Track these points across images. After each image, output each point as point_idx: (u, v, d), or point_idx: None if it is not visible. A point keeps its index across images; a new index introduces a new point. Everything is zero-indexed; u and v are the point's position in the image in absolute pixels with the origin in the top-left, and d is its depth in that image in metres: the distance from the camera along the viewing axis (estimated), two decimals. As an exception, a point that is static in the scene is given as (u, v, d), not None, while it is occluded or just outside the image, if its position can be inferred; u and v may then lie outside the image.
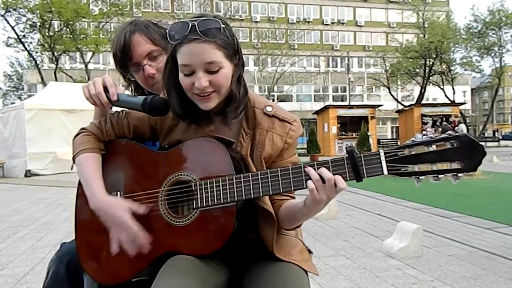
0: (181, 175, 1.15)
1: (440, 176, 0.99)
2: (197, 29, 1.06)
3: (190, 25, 1.06)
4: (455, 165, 0.98)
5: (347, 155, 1.03)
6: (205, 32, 1.06)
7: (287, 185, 1.06)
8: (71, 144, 1.28)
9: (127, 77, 1.52)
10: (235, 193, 1.07)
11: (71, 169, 1.24)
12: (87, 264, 1.23)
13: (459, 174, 0.98)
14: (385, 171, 1.01)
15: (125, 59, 1.46)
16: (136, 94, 1.59)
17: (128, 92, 1.40)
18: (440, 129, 20.58)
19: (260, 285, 1.09)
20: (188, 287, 0.99)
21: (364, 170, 1.02)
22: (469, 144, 0.97)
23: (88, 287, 1.29)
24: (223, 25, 1.08)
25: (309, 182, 1.03)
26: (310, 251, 1.27)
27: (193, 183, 1.12)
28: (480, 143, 0.98)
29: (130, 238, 1.13)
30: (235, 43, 1.13)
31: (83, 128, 1.30)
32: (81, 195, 1.27)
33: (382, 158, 1.01)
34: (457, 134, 0.98)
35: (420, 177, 1.00)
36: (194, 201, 1.11)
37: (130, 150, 1.26)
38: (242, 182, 1.08)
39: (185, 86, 1.12)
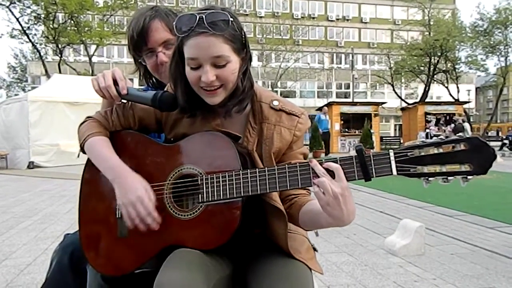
0: (187, 168, 1.14)
1: (449, 178, 0.98)
2: (204, 21, 1.04)
3: (197, 17, 1.04)
4: (464, 168, 0.97)
5: (355, 154, 1.02)
6: (213, 25, 1.04)
7: (295, 182, 1.05)
8: (75, 136, 1.28)
9: (139, 61, 1.53)
10: (242, 188, 1.07)
11: (78, 157, 1.23)
12: (91, 255, 1.23)
13: (468, 177, 0.97)
14: (394, 172, 1.00)
15: (140, 43, 1.46)
16: (144, 82, 1.60)
17: (136, 85, 1.40)
18: (443, 127, 20.54)
19: (266, 281, 1.08)
20: (192, 280, 0.99)
21: (373, 169, 1.01)
22: (480, 147, 0.96)
23: (91, 278, 1.29)
24: (231, 18, 1.07)
25: (317, 179, 1.01)
26: (315, 249, 1.27)
27: (199, 177, 1.11)
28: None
29: (141, 215, 1.10)
30: (243, 36, 1.11)
31: (88, 117, 1.29)
32: (85, 185, 1.27)
33: (392, 158, 1.00)
34: (468, 136, 0.97)
35: (429, 179, 0.99)
36: (200, 195, 1.11)
37: (135, 141, 1.25)
38: (249, 177, 1.07)
39: (191, 79, 1.11)
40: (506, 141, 19.31)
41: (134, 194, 1.10)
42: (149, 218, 1.10)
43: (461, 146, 0.97)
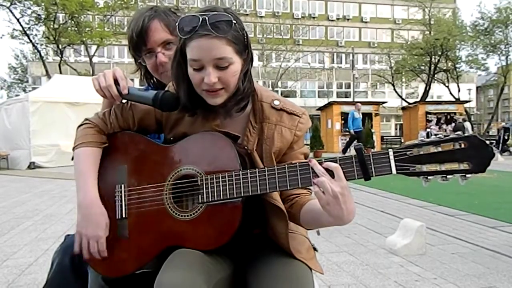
0: (186, 169, 1.14)
1: (448, 176, 0.98)
2: (207, 23, 1.03)
3: (200, 19, 1.04)
4: (463, 166, 0.97)
5: (355, 154, 1.02)
6: (216, 27, 1.04)
7: (295, 182, 1.05)
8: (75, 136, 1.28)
9: (138, 61, 1.52)
10: (242, 188, 1.07)
11: (72, 159, 1.24)
12: (91, 257, 1.23)
13: (467, 175, 0.97)
14: (394, 171, 1.00)
15: (139, 43, 1.46)
16: (145, 82, 1.60)
17: (137, 86, 1.40)
18: (444, 126, 20.51)
19: (266, 281, 1.08)
20: (193, 280, 0.99)
21: (373, 169, 1.01)
22: (478, 145, 0.96)
23: (92, 280, 1.29)
24: (234, 20, 1.06)
25: (317, 179, 1.01)
26: (315, 249, 1.27)
27: (199, 178, 1.11)
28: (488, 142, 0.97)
29: (92, 251, 1.16)
30: (245, 37, 1.11)
31: (87, 119, 1.28)
32: None
33: (391, 157, 1.00)
34: (466, 135, 0.97)
35: (428, 177, 0.99)
36: (200, 196, 1.11)
37: (134, 142, 1.25)
38: (249, 178, 1.07)
39: (194, 81, 1.11)
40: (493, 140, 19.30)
41: (95, 231, 1.16)
42: (97, 255, 1.17)
43: (460, 145, 0.97)
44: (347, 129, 14.98)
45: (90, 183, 1.19)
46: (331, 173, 1.01)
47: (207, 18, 1.04)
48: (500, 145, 17.28)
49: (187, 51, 1.09)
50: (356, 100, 28.74)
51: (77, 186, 1.20)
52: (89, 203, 1.17)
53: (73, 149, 1.24)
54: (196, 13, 1.07)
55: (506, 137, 17.39)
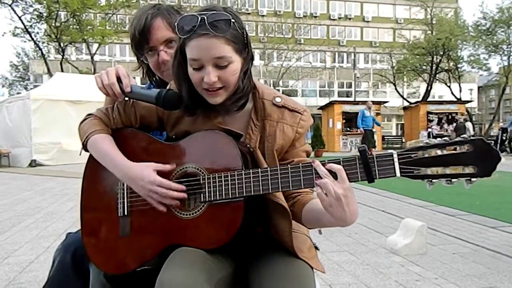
0: (189, 167, 1.14)
1: (453, 180, 0.97)
2: (206, 22, 1.04)
3: (199, 18, 1.05)
4: (468, 170, 0.95)
5: (358, 155, 1.01)
6: (214, 27, 1.04)
7: (297, 182, 1.05)
8: (77, 134, 1.27)
9: (141, 59, 1.52)
10: (244, 188, 1.07)
11: (80, 154, 1.24)
12: (93, 254, 1.23)
13: (472, 179, 0.96)
14: (398, 173, 0.99)
15: (142, 41, 1.46)
16: (147, 80, 1.60)
17: (139, 84, 1.40)
18: (445, 126, 20.49)
19: (268, 280, 1.08)
20: (194, 279, 0.99)
21: (376, 171, 1.00)
22: (484, 149, 0.94)
23: (94, 277, 1.29)
24: (232, 19, 1.07)
25: (320, 181, 1.01)
26: (317, 248, 1.27)
27: (201, 176, 1.11)
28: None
29: (165, 194, 1.10)
30: (245, 36, 1.12)
31: (90, 114, 1.29)
32: (86, 184, 1.27)
33: (395, 159, 0.99)
34: (472, 138, 0.96)
35: (433, 180, 0.98)
36: (202, 195, 1.11)
37: (137, 139, 1.25)
38: (251, 177, 1.07)
39: (194, 80, 1.12)
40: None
41: (147, 181, 1.11)
42: (173, 192, 1.10)
43: (465, 148, 0.95)
44: (360, 127, 14.85)
45: (118, 156, 1.18)
46: (334, 174, 1.01)
47: (205, 18, 1.04)
48: (498, 145, 17.28)
49: (186, 50, 1.10)
50: (357, 99, 28.75)
51: (108, 164, 1.18)
52: (125, 169, 1.15)
53: (85, 142, 1.23)
54: (195, 12, 1.07)
55: (503, 138, 17.39)
